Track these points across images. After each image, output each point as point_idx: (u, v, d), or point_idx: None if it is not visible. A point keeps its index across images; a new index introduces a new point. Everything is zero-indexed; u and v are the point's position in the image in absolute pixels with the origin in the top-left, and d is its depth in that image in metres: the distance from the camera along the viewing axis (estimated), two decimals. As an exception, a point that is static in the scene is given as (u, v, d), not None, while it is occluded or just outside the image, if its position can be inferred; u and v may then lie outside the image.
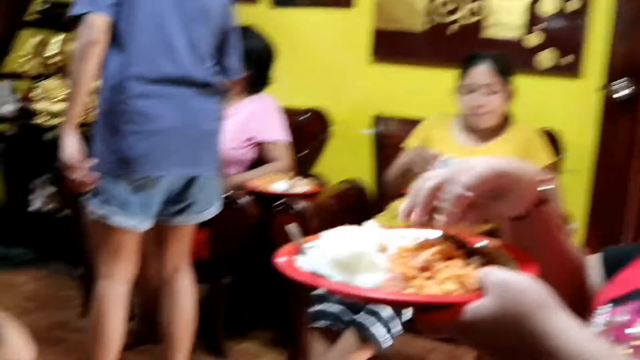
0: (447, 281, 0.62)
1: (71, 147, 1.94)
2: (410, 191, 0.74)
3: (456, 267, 0.64)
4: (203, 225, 2.29)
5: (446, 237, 0.72)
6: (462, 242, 0.71)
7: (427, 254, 0.66)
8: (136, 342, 2.58)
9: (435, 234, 0.73)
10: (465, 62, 2.35)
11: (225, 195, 2.34)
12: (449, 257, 0.67)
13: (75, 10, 1.91)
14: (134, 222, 2.00)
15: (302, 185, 2.62)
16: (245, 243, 2.53)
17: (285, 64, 3.00)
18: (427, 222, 0.72)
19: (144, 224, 2.04)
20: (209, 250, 2.53)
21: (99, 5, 1.89)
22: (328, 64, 3.23)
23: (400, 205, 0.75)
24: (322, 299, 2.11)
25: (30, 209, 3.64)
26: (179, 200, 2.08)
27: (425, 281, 0.63)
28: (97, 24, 1.88)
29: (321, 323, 2.10)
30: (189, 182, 2.07)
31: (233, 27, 2.19)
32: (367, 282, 0.63)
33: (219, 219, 2.29)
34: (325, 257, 0.66)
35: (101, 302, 2.07)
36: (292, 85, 3.15)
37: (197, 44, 2.02)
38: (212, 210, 2.20)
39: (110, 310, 2.06)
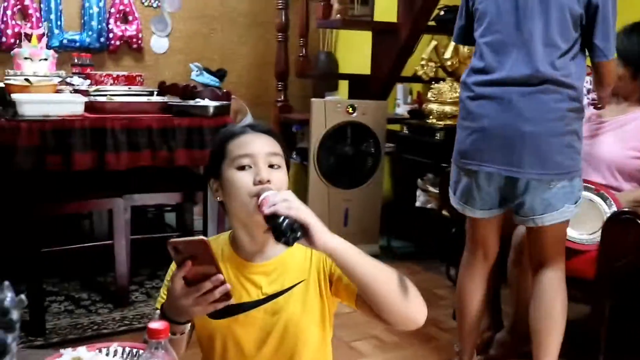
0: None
1: None
2: None
3: None
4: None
5: None
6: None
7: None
8: (504, 354, 2.50)
9: None
10: None
11: (620, 209, 2.09)
12: None
13: None
14: (475, 211, 2.12)
15: None
16: (637, 263, 2.21)
17: None
18: None
19: (484, 213, 2.12)
20: (595, 269, 2.27)
21: None
22: None
23: None
24: None
25: (416, 205, 3.83)
26: (511, 198, 2.06)
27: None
28: None
29: None
30: (514, 182, 2.00)
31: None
32: None
33: (607, 236, 2.11)
34: None
35: (460, 287, 2.27)
36: None
37: (544, 36, 1.93)
38: (554, 216, 2.01)
39: (467, 294, 2.23)
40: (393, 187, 4.38)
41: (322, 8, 4.01)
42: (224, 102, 2.82)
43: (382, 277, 1.10)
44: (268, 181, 1.18)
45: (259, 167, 1.20)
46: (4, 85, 2.99)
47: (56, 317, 2.73)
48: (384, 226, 3.90)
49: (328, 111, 3.64)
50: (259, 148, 1.22)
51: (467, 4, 2.10)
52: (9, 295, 0.85)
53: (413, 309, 1.12)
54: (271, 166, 1.22)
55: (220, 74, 4.40)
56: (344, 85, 4.48)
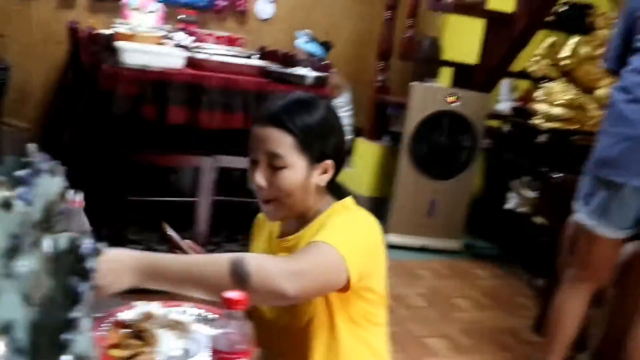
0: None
1: None
2: None
3: None
4: None
5: None
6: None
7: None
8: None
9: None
10: None
11: None
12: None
13: None
14: (610, 229, 1.92)
15: None
16: None
17: None
18: None
19: (617, 233, 1.93)
20: None
21: None
22: None
23: None
24: None
25: (505, 206, 3.64)
26: None
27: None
28: None
29: None
30: None
31: None
32: None
33: None
34: None
35: (559, 304, 2.08)
36: None
37: None
38: None
39: (566, 315, 2.07)
40: (484, 184, 4.18)
41: (435, -10, 3.84)
42: (323, 73, 2.74)
43: (206, 288, 1.01)
44: (261, 187, 1.16)
45: (257, 167, 1.16)
46: (112, 33, 3.03)
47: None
48: (469, 223, 3.74)
49: (427, 97, 3.50)
50: (261, 145, 1.15)
51: (633, 15, 1.92)
52: (87, 242, 0.80)
53: (257, 296, 0.96)
54: (272, 166, 1.14)
55: (326, 46, 4.32)
56: (445, 73, 4.30)
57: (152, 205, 2.84)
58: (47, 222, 0.96)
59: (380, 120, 4.09)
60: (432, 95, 3.50)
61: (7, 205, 0.80)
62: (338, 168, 1.21)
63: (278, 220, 1.26)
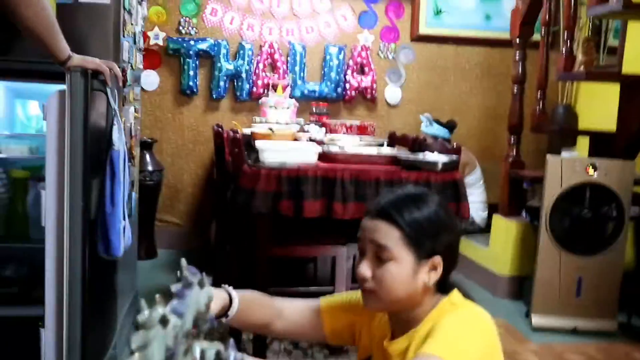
0: None
1: None
2: None
3: None
4: None
5: None
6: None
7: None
8: None
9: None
10: None
11: None
12: None
13: None
14: None
15: None
16: None
17: None
18: None
19: None
20: None
21: None
22: None
23: None
24: None
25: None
26: None
27: None
28: None
29: None
30: None
31: None
32: None
33: None
34: None
35: None
36: None
37: None
38: None
39: None
40: (636, 256, 3.90)
41: (564, 60, 3.77)
42: (453, 156, 2.76)
43: None
44: (364, 278, 1.19)
45: (364, 258, 1.20)
46: (251, 132, 3.28)
47: (275, 355, 2.85)
48: (624, 300, 3.47)
49: (565, 169, 3.38)
50: (367, 236, 1.19)
51: None
52: (232, 355, 0.87)
53: None
54: (379, 258, 1.16)
55: (450, 125, 4.36)
56: (583, 141, 4.15)
57: (291, 296, 2.95)
58: (197, 330, 1.07)
59: (516, 195, 4.00)
60: (570, 167, 3.38)
61: (164, 321, 0.91)
62: (448, 266, 1.21)
63: (375, 311, 1.28)
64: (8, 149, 2.59)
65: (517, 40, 3.99)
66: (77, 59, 1.97)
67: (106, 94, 2.14)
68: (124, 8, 2.53)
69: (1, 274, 2.66)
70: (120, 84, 2.30)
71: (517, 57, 3.96)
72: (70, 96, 1.97)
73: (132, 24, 2.75)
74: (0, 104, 2.72)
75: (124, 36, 2.54)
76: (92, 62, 2.02)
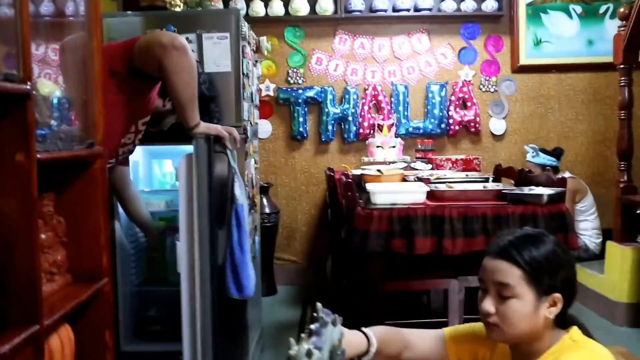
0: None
1: None
2: None
3: None
4: None
5: None
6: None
7: None
8: None
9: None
10: None
11: None
12: None
13: None
14: None
15: None
16: None
17: None
18: None
19: None
20: None
21: None
22: None
23: None
24: None
25: None
26: None
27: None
28: None
29: None
30: None
31: None
32: None
33: None
34: None
35: None
36: None
37: None
38: None
39: None
40: None
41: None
42: (559, 189, 2.83)
43: None
44: (488, 314, 1.28)
45: (487, 295, 1.29)
46: (360, 174, 3.50)
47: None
48: None
49: (679, 194, 3.33)
50: (489, 276, 1.29)
51: None
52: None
53: None
54: (501, 295, 1.26)
55: (556, 153, 4.37)
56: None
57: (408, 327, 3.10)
58: (332, 361, 1.28)
59: (629, 221, 3.94)
60: (685, 191, 3.33)
61: (309, 354, 1.13)
62: (568, 301, 1.30)
63: (499, 342, 1.37)
64: (148, 204, 2.96)
65: (621, 66, 3.97)
66: (202, 127, 2.26)
67: (227, 155, 2.40)
68: (243, 73, 2.84)
69: (146, 313, 3.02)
70: (238, 145, 2.56)
71: (622, 82, 3.94)
72: (196, 159, 2.27)
73: (249, 85, 3.07)
74: (142, 164, 3.11)
75: (243, 98, 2.84)
76: (214, 128, 2.31)
